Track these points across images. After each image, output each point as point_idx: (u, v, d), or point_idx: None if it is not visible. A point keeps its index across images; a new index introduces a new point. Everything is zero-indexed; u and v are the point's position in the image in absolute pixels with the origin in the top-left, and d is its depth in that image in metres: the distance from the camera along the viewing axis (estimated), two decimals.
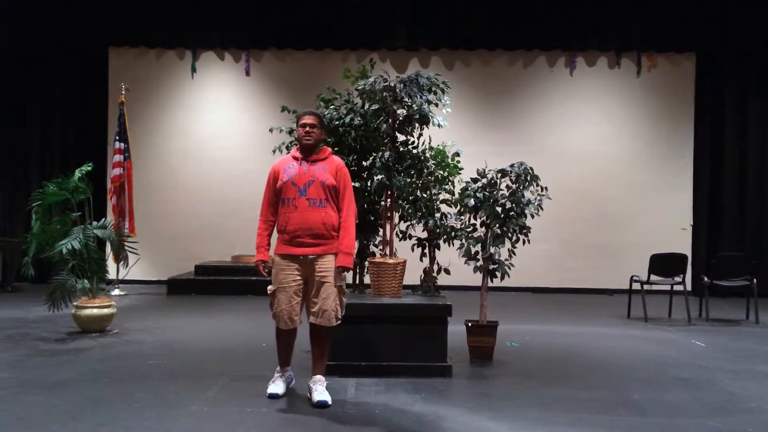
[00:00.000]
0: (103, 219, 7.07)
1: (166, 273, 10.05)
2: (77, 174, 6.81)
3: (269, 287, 4.35)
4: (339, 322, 4.32)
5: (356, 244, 5.16)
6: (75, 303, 6.53)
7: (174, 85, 10.75)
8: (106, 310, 6.57)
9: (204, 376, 4.91)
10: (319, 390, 4.25)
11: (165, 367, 5.18)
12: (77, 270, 6.56)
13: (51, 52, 10.44)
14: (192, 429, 3.81)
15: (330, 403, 4.19)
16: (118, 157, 9.49)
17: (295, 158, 4.37)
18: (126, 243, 7.73)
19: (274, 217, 4.38)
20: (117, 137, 9.55)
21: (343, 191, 4.33)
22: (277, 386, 4.38)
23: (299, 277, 4.27)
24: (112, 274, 8.27)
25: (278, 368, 4.45)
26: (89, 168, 6.98)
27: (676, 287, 7.81)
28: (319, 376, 4.33)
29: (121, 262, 7.56)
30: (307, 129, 4.32)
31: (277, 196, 4.33)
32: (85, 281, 6.54)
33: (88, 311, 6.48)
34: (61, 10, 10.32)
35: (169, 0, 10.41)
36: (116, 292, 9.07)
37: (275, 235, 4.43)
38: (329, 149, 4.52)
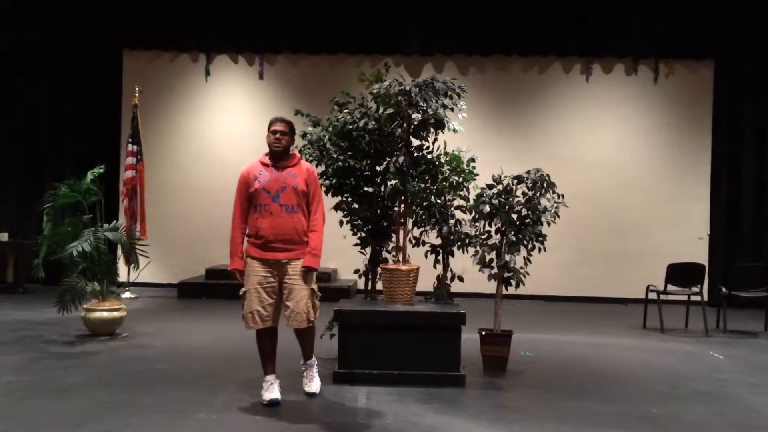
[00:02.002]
0: (115, 221, 7.03)
1: (176, 276, 10.03)
2: (89, 176, 6.77)
3: (241, 290, 4.38)
4: (311, 323, 4.40)
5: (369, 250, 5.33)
6: (85, 306, 6.49)
7: (188, 88, 10.74)
8: (115, 314, 6.53)
9: (213, 382, 4.85)
10: (310, 377, 4.56)
11: (174, 373, 5.12)
12: (87, 272, 6.52)
13: (65, 54, 10.46)
14: None
15: (318, 393, 4.51)
16: (130, 160, 9.49)
17: (264, 164, 4.43)
18: (137, 246, 7.69)
19: (245, 224, 4.42)
20: (130, 139, 9.55)
21: (314, 195, 4.45)
22: (273, 392, 4.33)
23: (272, 280, 4.33)
24: (122, 277, 8.23)
25: (267, 377, 4.40)
26: (101, 170, 6.95)
27: (693, 297, 7.67)
28: (310, 361, 4.58)
29: (132, 265, 7.51)
30: (278, 136, 4.41)
31: (249, 202, 4.39)
32: (95, 284, 6.50)
33: (97, 314, 6.43)
34: (76, 12, 10.34)
35: (183, 3, 10.41)
36: (126, 295, 9.03)
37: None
38: (298, 155, 4.61)
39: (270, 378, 4.39)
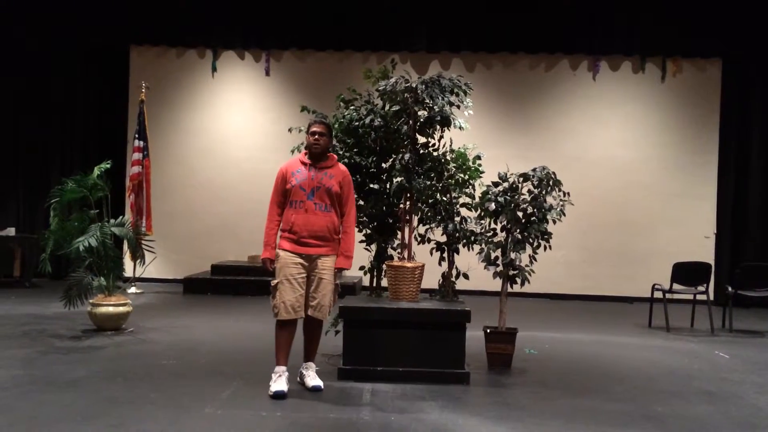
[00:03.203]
0: (121, 217, 7.06)
1: (182, 272, 10.06)
2: (96, 171, 6.80)
3: (273, 281, 4.53)
4: (329, 316, 4.70)
5: (374, 247, 5.60)
6: (91, 300, 6.52)
7: (194, 84, 10.76)
8: (121, 309, 6.56)
9: (219, 377, 4.86)
10: (312, 375, 4.63)
11: (179, 368, 5.14)
12: (94, 267, 6.55)
13: (73, 51, 10.50)
14: None
15: (322, 387, 4.54)
16: (137, 156, 9.52)
17: (303, 163, 4.61)
18: (143, 241, 7.73)
19: (280, 217, 4.61)
20: (136, 135, 9.58)
21: (347, 198, 4.63)
22: (281, 384, 4.40)
23: (304, 272, 4.51)
24: (128, 272, 8.27)
25: (278, 367, 4.49)
26: (108, 166, 6.98)
27: (699, 297, 7.65)
28: (311, 363, 4.71)
29: (138, 261, 7.54)
30: (317, 137, 4.58)
31: (284, 197, 4.59)
32: (102, 279, 6.53)
33: (103, 309, 6.46)
34: (83, 9, 10.36)
35: None
36: (132, 290, 9.07)
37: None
38: (335, 156, 4.76)
39: (280, 369, 4.47)
